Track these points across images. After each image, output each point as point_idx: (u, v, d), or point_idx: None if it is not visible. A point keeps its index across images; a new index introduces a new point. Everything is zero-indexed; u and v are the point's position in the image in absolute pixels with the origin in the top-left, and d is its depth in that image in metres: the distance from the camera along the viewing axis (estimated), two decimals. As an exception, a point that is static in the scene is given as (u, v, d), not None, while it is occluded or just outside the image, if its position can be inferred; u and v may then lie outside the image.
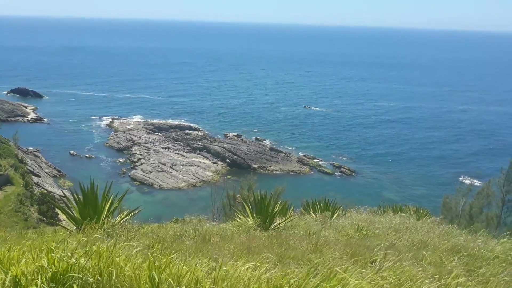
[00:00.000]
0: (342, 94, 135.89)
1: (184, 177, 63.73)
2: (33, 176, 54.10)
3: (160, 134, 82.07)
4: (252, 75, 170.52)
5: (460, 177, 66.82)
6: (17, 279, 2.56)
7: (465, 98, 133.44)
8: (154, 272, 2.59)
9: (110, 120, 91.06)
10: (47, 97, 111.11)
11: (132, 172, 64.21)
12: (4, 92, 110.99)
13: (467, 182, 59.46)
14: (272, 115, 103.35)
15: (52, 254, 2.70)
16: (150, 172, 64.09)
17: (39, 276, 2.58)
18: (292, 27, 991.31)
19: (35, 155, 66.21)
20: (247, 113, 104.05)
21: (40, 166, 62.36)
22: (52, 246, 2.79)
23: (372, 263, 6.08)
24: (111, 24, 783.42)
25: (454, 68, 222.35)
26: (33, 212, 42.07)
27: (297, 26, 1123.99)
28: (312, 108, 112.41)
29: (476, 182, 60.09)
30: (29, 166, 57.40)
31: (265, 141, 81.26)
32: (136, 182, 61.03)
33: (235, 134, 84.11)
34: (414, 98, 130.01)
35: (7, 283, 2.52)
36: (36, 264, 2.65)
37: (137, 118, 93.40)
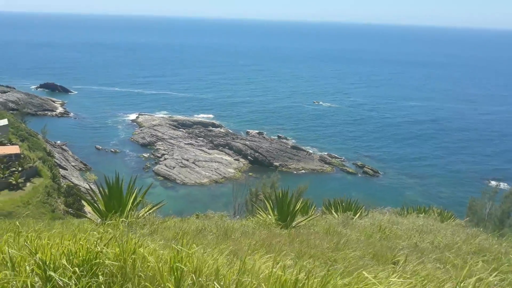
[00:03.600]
0: (366, 93, 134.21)
1: (207, 173, 64.25)
2: (60, 169, 55.54)
3: (184, 130, 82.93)
4: (275, 72, 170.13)
5: (486, 180, 65.08)
6: (46, 264, 2.66)
7: (495, 99, 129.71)
8: (178, 264, 2.65)
9: (135, 115, 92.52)
10: (75, 92, 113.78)
11: (156, 167, 65.13)
12: (33, 87, 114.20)
13: (493, 185, 57.89)
14: (295, 113, 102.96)
15: (80, 243, 2.80)
16: (174, 167, 64.86)
17: (67, 261, 2.68)
18: (314, 24, 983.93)
19: (62, 149, 67.92)
20: (269, 111, 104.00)
21: (67, 159, 63.94)
22: (80, 235, 2.88)
23: (394, 264, 6.02)
24: (134, 21, 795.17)
25: (479, 67, 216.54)
26: (60, 204, 43.24)
27: (319, 23, 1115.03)
28: (334, 105, 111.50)
29: (503, 185, 58.48)
30: (57, 159, 58.95)
31: (287, 139, 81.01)
32: (159, 177, 61.88)
33: (257, 131, 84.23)
34: (442, 99, 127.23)
35: (35, 266, 2.63)
36: (64, 250, 2.76)
37: (161, 114, 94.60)
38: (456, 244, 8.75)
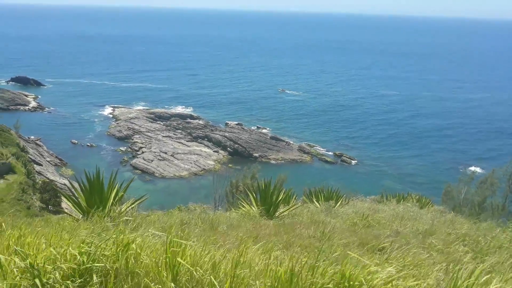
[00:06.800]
0: (344, 82, 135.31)
1: (186, 165, 63.82)
2: (34, 165, 54.18)
3: (161, 123, 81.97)
4: (258, 64, 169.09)
5: (461, 166, 66.66)
6: (35, 267, 2.56)
7: (470, 87, 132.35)
8: (177, 258, 2.60)
9: (112, 109, 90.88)
10: (49, 86, 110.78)
11: (134, 161, 64.30)
12: (4, 81, 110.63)
13: (469, 171, 59.37)
14: (275, 103, 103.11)
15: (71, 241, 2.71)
16: (152, 160, 64.18)
17: (58, 265, 2.59)
18: (298, 15, 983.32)
19: (37, 144, 66.24)
20: (249, 102, 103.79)
21: (42, 155, 62.42)
22: (73, 237, 2.80)
23: (380, 250, 6.11)
24: (113, 12, 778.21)
25: (459, 57, 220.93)
26: (36, 200, 42.23)
27: (303, 14, 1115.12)
28: (313, 96, 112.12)
29: (478, 171, 60.04)
30: (31, 154, 57.44)
31: (266, 130, 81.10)
32: (137, 171, 61.14)
33: (236, 122, 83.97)
34: (418, 87, 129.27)
35: (24, 269, 2.53)
36: (56, 252, 2.67)
37: (138, 107, 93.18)
38: (437, 229, 8.96)
